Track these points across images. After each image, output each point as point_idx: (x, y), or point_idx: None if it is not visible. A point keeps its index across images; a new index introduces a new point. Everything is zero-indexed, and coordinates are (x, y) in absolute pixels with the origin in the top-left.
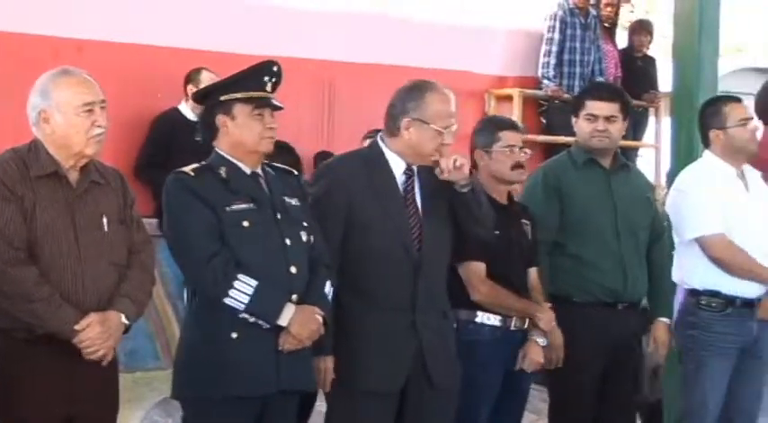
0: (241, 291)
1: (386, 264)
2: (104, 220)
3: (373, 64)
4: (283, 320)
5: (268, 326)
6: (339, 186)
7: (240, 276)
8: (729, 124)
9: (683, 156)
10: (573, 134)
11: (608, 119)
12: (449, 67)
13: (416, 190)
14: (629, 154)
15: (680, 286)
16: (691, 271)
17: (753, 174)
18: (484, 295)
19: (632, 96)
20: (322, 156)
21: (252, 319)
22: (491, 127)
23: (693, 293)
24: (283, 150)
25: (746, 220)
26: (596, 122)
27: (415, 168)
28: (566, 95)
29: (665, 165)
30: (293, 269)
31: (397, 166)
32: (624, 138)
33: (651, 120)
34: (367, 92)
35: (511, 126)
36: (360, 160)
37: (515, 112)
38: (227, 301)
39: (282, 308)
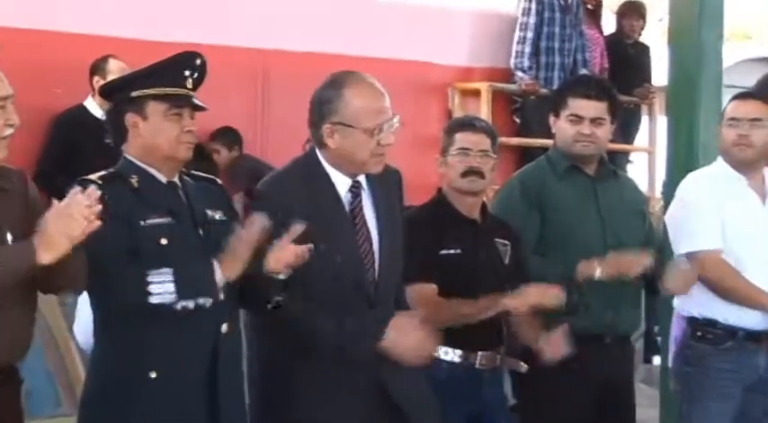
0: (161, 282)
1: (336, 305)
2: (8, 233)
3: (312, 53)
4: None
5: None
6: (285, 214)
7: (152, 272)
8: (723, 122)
9: (682, 161)
10: (552, 136)
11: (594, 121)
12: (404, 56)
13: (367, 207)
14: (618, 160)
15: (677, 313)
16: (688, 295)
17: None
18: (425, 318)
19: (622, 91)
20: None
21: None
22: (449, 128)
23: (691, 322)
24: (195, 154)
25: (757, 238)
26: (580, 125)
27: (363, 181)
28: (543, 90)
29: (661, 172)
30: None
31: (341, 182)
32: (612, 141)
33: (644, 119)
34: (306, 84)
35: (466, 125)
36: (298, 178)
37: (484, 110)
38: (153, 300)
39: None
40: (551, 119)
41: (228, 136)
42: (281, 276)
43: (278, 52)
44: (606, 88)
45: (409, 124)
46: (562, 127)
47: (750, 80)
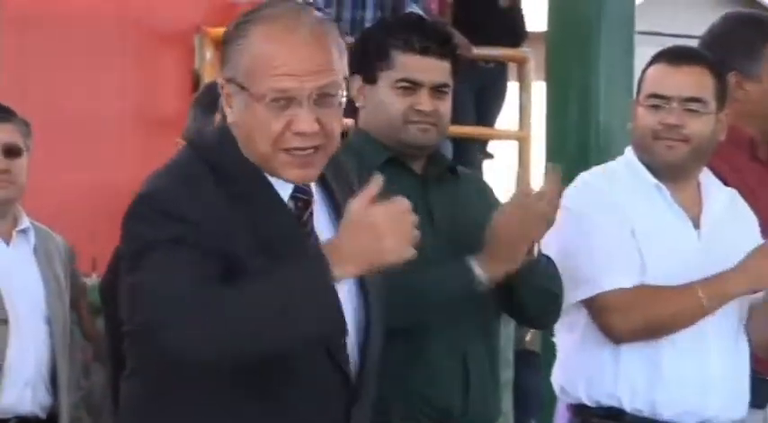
0: None
1: (292, 378)
2: None
3: None
4: None
5: None
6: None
7: None
8: (638, 98)
9: (570, 153)
10: (353, 111)
11: (435, 89)
12: None
13: (322, 224)
14: (466, 151)
15: (559, 401)
16: (576, 367)
17: (713, 188)
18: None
19: (475, 42)
20: None
21: None
22: (209, 103)
23: (579, 412)
24: None
25: (685, 279)
26: (414, 95)
27: (312, 188)
28: (348, 38)
29: (538, 169)
30: None
31: (279, 187)
32: (458, 121)
33: (512, 88)
34: None
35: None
36: (206, 177)
37: None
38: None
39: None
40: (357, 84)
41: None
42: None
43: None
44: (448, 37)
45: (121, 91)
46: (383, 99)
47: (680, 24)
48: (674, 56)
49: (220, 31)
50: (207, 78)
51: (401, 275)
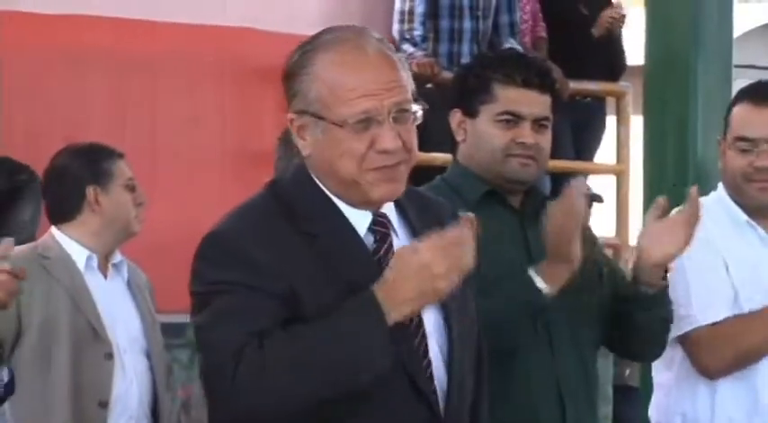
0: None
1: (376, 413)
2: None
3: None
4: None
5: None
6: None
7: None
8: (727, 138)
9: (668, 186)
10: (453, 146)
11: (537, 122)
12: (208, 20)
13: None
14: (563, 184)
15: None
16: (673, 403)
17: None
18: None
19: (572, 76)
20: None
21: None
22: None
23: None
24: None
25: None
26: (516, 128)
27: (392, 214)
28: (445, 73)
29: (637, 204)
30: None
31: (355, 218)
32: (556, 155)
33: (610, 122)
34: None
35: None
36: (278, 216)
37: None
38: None
39: None
40: (457, 118)
41: None
42: None
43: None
44: (548, 71)
45: (221, 127)
46: (484, 132)
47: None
48: (757, 95)
49: None
50: None
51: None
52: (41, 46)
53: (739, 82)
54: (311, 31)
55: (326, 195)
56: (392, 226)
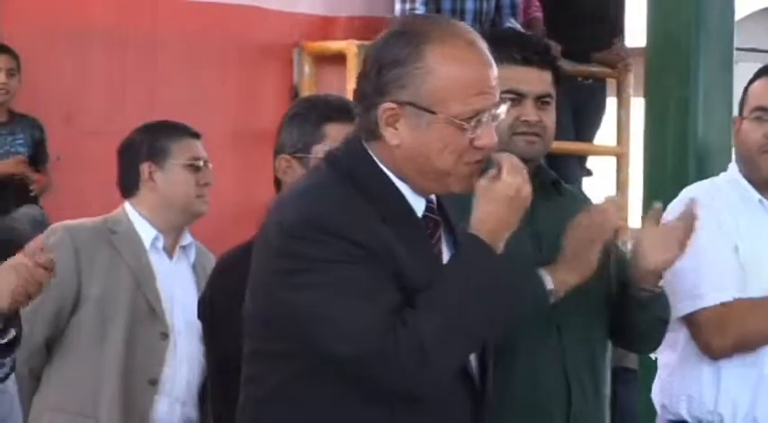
0: None
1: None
2: None
3: None
4: None
5: None
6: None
7: None
8: (743, 111)
9: (669, 169)
10: None
11: (539, 100)
12: None
13: (444, 247)
14: (566, 166)
15: (659, 419)
16: (678, 385)
17: None
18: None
19: (570, 56)
20: None
21: None
22: (314, 116)
23: None
24: None
25: None
26: (520, 106)
27: (435, 200)
28: None
29: (637, 185)
30: None
31: (414, 202)
32: (558, 137)
33: (611, 103)
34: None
35: (341, 112)
36: (354, 196)
37: (352, 84)
38: None
39: None
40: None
41: None
42: None
43: None
44: (547, 48)
45: (222, 105)
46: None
47: None
48: None
49: (318, 45)
50: (305, 92)
51: None
52: (43, 22)
53: (741, 65)
54: (314, 11)
55: (390, 179)
56: (435, 208)
